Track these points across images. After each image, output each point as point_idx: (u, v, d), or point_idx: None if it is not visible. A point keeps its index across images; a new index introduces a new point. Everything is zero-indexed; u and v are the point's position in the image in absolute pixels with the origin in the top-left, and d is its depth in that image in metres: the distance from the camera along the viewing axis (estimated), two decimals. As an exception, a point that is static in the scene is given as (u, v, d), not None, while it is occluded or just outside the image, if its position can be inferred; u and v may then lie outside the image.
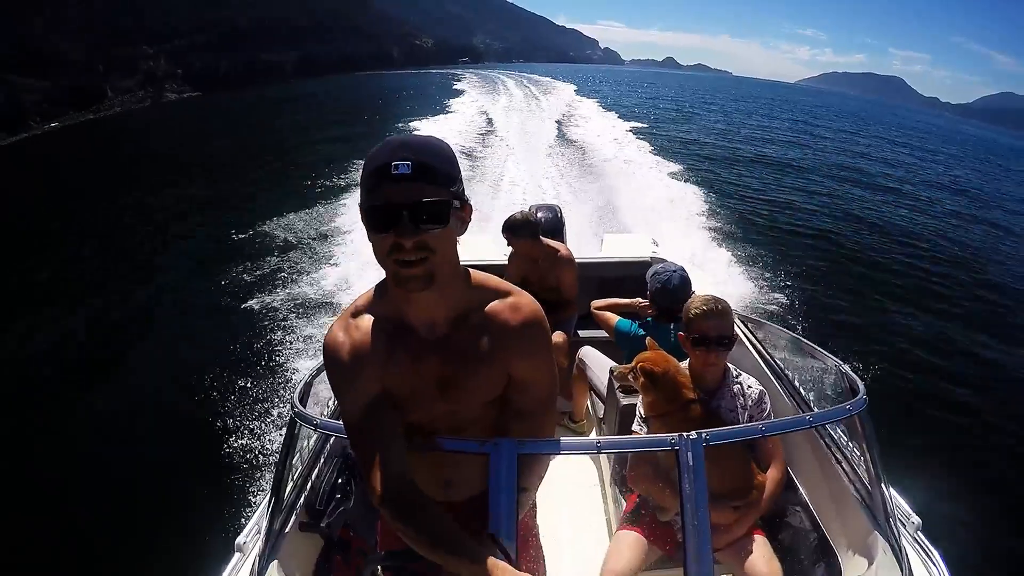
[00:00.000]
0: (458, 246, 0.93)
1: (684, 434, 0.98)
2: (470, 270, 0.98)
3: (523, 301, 0.97)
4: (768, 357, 2.24)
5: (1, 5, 35.63)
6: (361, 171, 0.86)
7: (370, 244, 0.88)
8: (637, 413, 1.74)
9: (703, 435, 0.99)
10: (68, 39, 40.39)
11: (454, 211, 0.86)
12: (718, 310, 1.69)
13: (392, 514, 0.90)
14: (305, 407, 1.49)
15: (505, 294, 0.97)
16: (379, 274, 0.96)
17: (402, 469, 0.94)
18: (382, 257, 0.86)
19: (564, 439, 1.00)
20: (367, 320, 0.97)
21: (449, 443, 1.01)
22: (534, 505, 1.31)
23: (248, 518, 1.69)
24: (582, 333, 3.31)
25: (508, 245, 3.04)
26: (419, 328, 0.95)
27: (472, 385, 0.97)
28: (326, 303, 6.21)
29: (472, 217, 0.94)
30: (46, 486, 4.20)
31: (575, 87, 33.93)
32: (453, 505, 1.09)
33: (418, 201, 0.81)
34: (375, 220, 0.83)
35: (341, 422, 1.03)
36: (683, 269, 2.39)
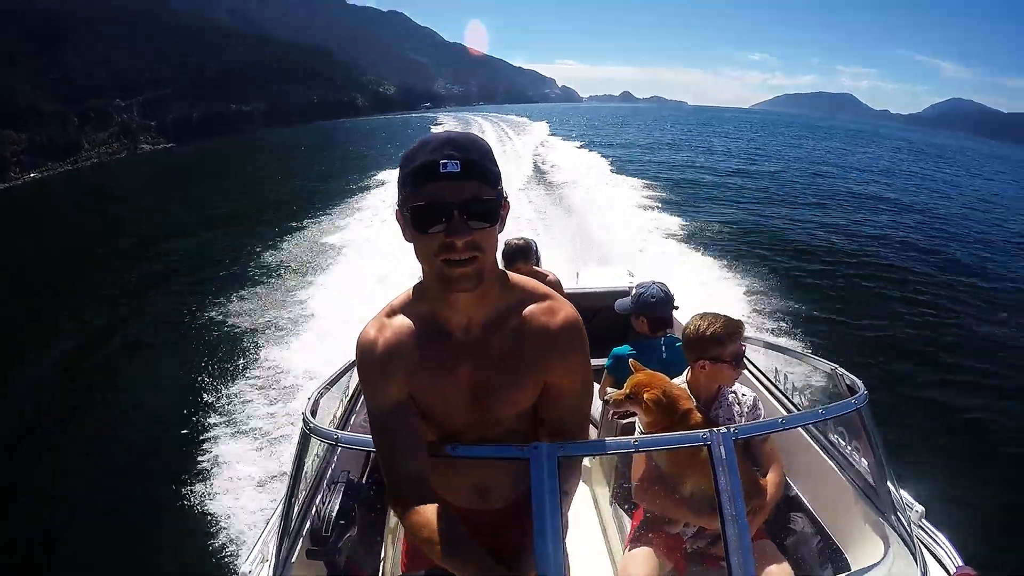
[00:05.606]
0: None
1: (715, 429, 0.99)
2: (507, 272, 0.95)
3: (561, 305, 0.93)
4: (755, 368, 2.29)
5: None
6: (399, 172, 0.82)
7: (411, 246, 0.84)
8: (636, 429, 1.69)
9: (731, 428, 1.00)
10: (42, 92, 40.46)
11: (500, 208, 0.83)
12: (740, 329, 1.69)
13: (406, 517, 0.88)
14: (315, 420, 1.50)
15: (543, 297, 0.94)
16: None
17: (421, 473, 0.91)
18: (428, 258, 0.82)
19: (604, 439, 1.01)
20: (400, 321, 0.94)
21: (487, 449, 0.98)
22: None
23: (247, 538, 1.68)
24: None
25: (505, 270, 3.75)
26: (454, 331, 0.92)
27: (506, 392, 0.94)
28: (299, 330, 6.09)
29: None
30: (43, 512, 4.15)
31: (544, 123, 34.03)
32: (489, 513, 1.07)
33: (470, 198, 0.78)
34: (423, 219, 0.79)
35: (355, 434, 1.05)
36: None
